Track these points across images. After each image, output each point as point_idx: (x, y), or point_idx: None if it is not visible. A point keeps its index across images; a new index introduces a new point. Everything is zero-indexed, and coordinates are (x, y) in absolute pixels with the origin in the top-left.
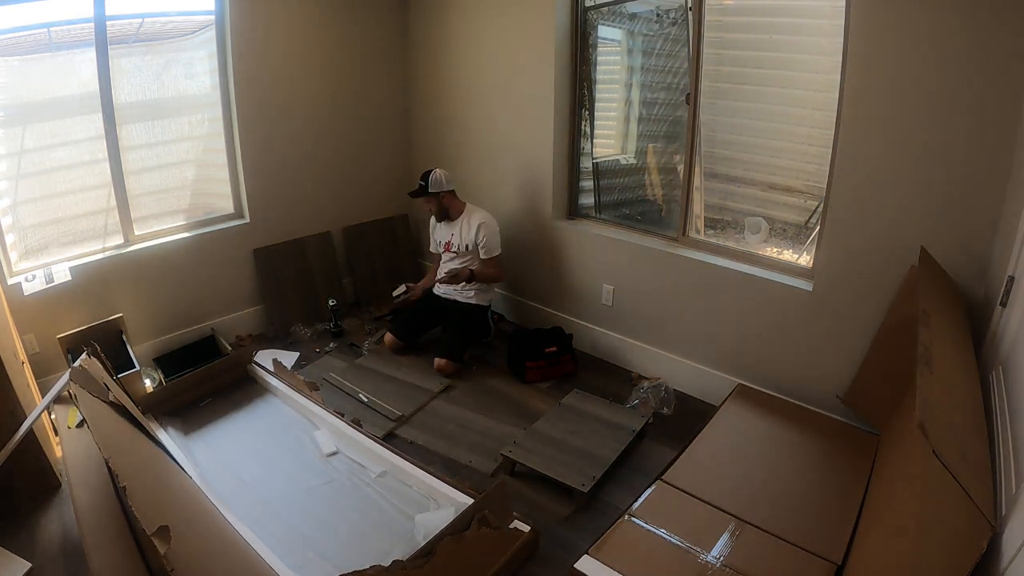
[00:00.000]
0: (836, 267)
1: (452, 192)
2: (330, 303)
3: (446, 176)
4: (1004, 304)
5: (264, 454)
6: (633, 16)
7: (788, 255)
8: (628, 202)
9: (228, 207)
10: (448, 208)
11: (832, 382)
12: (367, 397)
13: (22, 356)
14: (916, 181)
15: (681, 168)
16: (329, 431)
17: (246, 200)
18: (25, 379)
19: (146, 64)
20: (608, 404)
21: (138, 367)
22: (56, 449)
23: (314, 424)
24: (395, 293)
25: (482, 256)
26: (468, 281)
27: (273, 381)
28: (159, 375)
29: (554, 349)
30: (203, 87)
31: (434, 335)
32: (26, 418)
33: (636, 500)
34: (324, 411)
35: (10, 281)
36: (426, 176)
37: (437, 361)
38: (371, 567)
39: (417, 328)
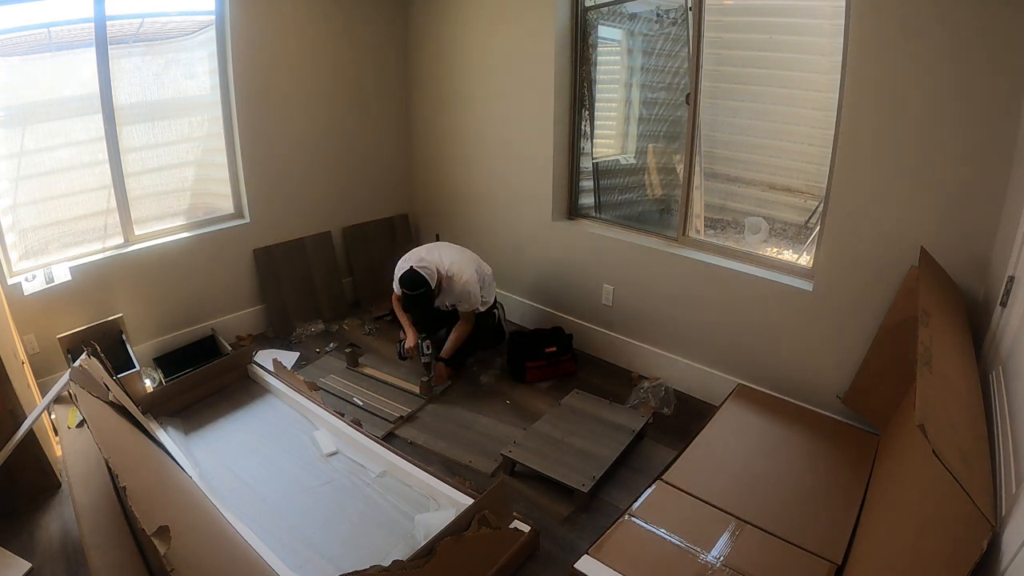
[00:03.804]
0: (836, 267)
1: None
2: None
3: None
4: (1004, 304)
5: (264, 454)
6: (633, 16)
7: (788, 255)
8: (628, 202)
9: (228, 207)
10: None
11: (832, 382)
12: (363, 400)
13: (22, 356)
14: (916, 181)
15: (681, 168)
16: (329, 431)
17: (246, 200)
18: (25, 379)
19: (146, 64)
20: (608, 404)
21: (138, 367)
22: (56, 449)
23: (314, 424)
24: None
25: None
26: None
27: (273, 381)
28: (159, 375)
29: (554, 349)
30: (203, 87)
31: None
32: (26, 418)
33: (636, 500)
34: (324, 411)
35: (10, 281)
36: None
37: (436, 365)
38: (371, 567)
39: (435, 323)
